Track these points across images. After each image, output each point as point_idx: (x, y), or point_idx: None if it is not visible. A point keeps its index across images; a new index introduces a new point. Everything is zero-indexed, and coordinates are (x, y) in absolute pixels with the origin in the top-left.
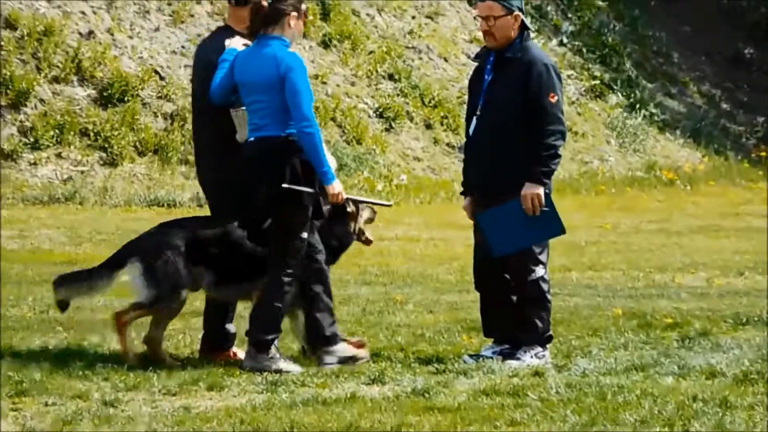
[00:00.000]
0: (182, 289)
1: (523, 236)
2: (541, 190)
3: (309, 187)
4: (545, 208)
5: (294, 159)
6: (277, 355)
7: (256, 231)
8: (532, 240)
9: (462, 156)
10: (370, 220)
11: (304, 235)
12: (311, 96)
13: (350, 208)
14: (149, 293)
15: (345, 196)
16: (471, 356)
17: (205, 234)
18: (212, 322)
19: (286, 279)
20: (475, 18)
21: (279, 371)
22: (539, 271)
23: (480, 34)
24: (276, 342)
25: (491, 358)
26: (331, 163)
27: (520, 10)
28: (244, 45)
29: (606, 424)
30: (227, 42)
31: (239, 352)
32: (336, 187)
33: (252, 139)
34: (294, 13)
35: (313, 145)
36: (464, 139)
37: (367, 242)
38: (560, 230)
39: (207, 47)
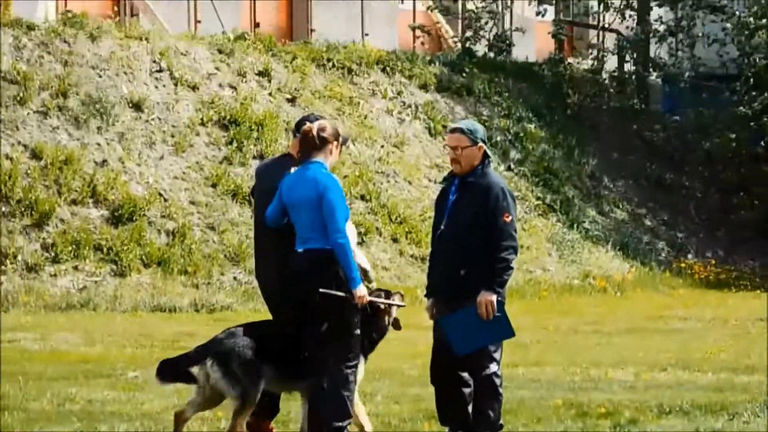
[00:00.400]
0: (260, 381)
1: (480, 338)
2: (494, 298)
3: (350, 292)
4: (498, 314)
5: (338, 267)
6: None
7: (306, 333)
8: (487, 341)
9: (426, 265)
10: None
11: (357, 331)
12: (346, 211)
13: (382, 306)
14: (236, 391)
15: (368, 299)
16: None
17: (267, 334)
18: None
19: (349, 371)
20: (444, 146)
21: None
22: (493, 367)
23: (440, 161)
24: (348, 427)
25: None
26: (365, 264)
27: (483, 141)
28: None
29: None
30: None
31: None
32: (361, 290)
33: (300, 250)
34: (335, 142)
35: (344, 254)
36: (428, 250)
37: (398, 327)
38: (510, 334)
39: (273, 174)
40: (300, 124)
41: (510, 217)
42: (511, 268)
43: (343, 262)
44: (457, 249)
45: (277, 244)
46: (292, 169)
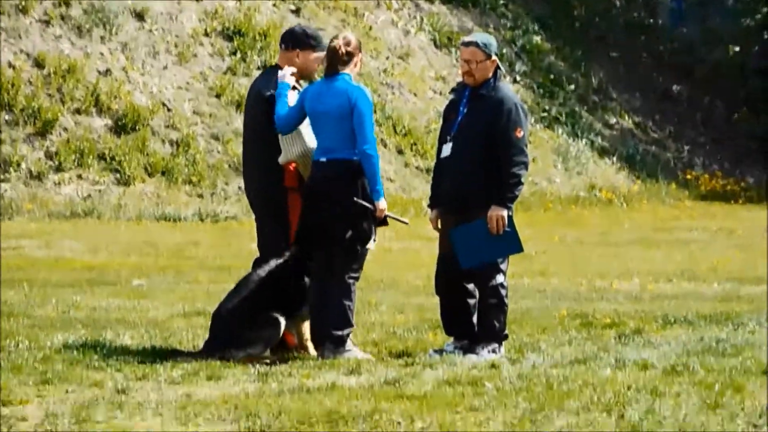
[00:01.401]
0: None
1: (487, 252)
2: (505, 213)
3: (372, 204)
4: (507, 229)
5: (364, 179)
6: (353, 347)
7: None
8: (494, 255)
9: (431, 175)
10: None
11: (371, 244)
12: (373, 124)
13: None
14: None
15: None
16: (435, 351)
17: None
18: None
19: (352, 281)
20: (458, 60)
21: (357, 360)
22: (499, 278)
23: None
24: (351, 335)
25: (452, 352)
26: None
27: (497, 55)
28: (292, 75)
29: (552, 409)
30: (280, 74)
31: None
32: (383, 203)
33: (324, 159)
34: (359, 54)
35: (371, 165)
36: (433, 162)
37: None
38: (519, 249)
39: (259, 83)
40: (286, 36)
41: (522, 132)
42: (522, 183)
43: (370, 173)
44: (468, 161)
45: (261, 156)
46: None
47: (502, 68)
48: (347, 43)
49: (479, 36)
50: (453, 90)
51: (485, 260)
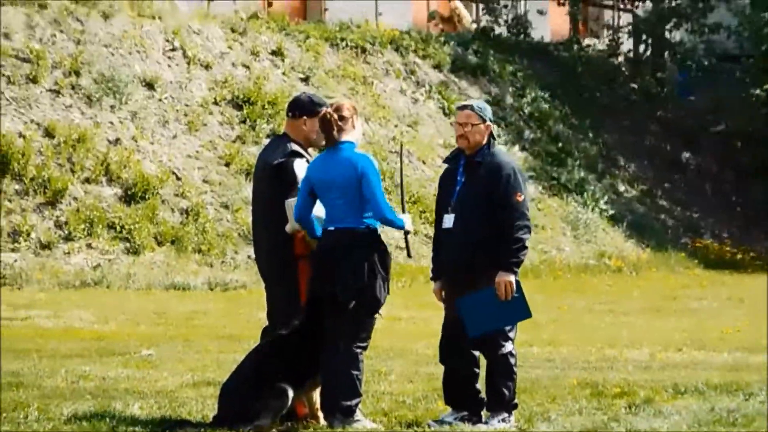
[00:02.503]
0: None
1: (495, 319)
2: (513, 278)
3: (385, 272)
4: (516, 295)
5: (373, 246)
6: (362, 417)
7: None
8: (503, 323)
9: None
10: None
11: (378, 314)
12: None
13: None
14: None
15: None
16: (435, 422)
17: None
18: None
19: (360, 350)
20: (451, 123)
21: (366, 430)
22: (508, 346)
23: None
24: (360, 405)
25: (451, 423)
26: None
27: (492, 121)
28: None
29: None
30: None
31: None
32: (408, 221)
33: (331, 228)
34: (355, 115)
35: (394, 225)
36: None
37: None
38: (527, 315)
39: (267, 152)
40: (292, 105)
41: (522, 196)
42: (526, 248)
43: (393, 226)
44: (471, 231)
45: (270, 225)
46: (290, 146)
47: (495, 136)
48: (337, 109)
49: (474, 101)
50: (447, 159)
51: (494, 328)
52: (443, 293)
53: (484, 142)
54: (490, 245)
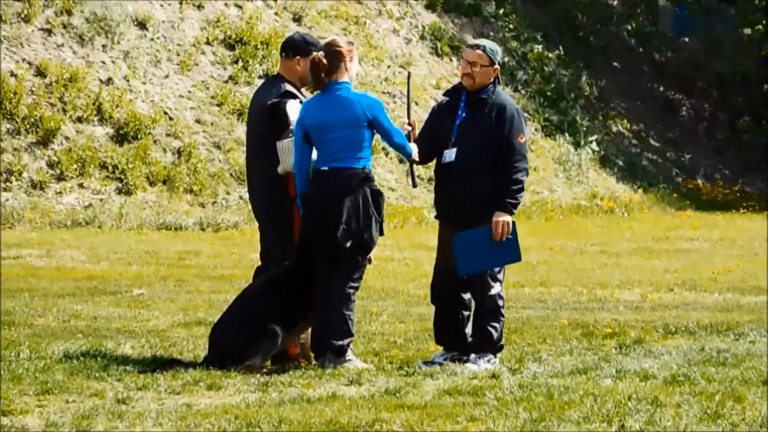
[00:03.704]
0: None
1: (487, 260)
2: (509, 218)
3: (379, 214)
4: (510, 236)
5: (368, 187)
6: (354, 357)
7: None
8: (493, 264)
9: (432, 184)
10: None
11: (372, 255)
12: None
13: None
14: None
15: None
16: (425, 363)
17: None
18: None
19: (352, 291)
20: (459, 60)
21: (357, 369)
22: (497, 287)
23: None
24: (351, 345)
25: (441, 363)
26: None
27: (500, 64)
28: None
29: (553, 420)
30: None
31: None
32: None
33: (326, 168)
34: (352, 54)
35: (402, 149)
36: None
37: None
38: (517, 258)
39: (261, 93)
40: (286, 44)
41: (524, 138)
42: (524, 189)
43: (404, 153)
44: (471, 166)
45: (264, 166)
46: (284, 87)
47: (500, 80)
48: (333, 45)
49: (487, 42)
50: (447, 92)
51: (484, 269)
52: (440, 231)
53: (489, 82)
54: (490, 183)
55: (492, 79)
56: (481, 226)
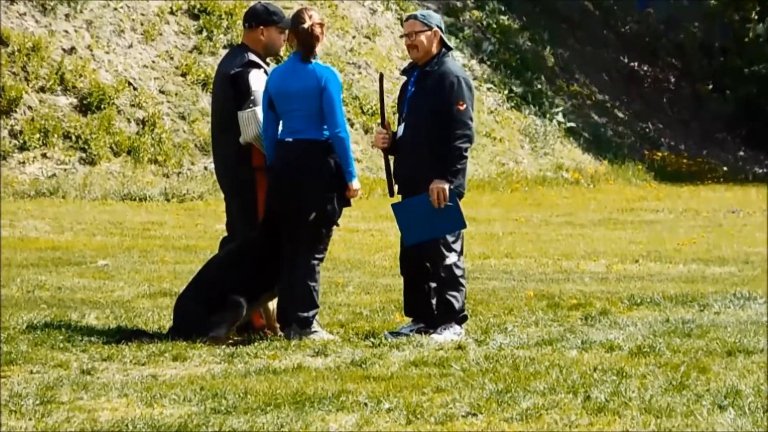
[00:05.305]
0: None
1: (430, 228)
2: (446, 186)
3: (340, 184)
4: (449, 203)
5: (332, 159)
6: (319, 328)
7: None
8: (437, 232)
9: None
10: None
11: (335, 226)
12: (342, 105)
13: None
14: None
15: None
16: (391, 333)
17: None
18: None
19: (317, 262)
20: (401, 36)
21: (323, 341)
22: (452, 257)
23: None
24: (317, 317)
25: (408, 335)
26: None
27: (440, 28)
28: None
29: (519, 391)
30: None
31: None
32: (356, 184)
33: (290, 140)
34: (321, 28)
35: (344, 147)
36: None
37: None
38: (462, 225)
39: (225, 64)
40: (248, 15)
41: (464, 105)
42: (465, 157)
43: (342, 155)
44: (415, 140)
45: (228, 136)
46: (247, 56)
47: (449, 45)
48: (321, 23)
49: (420, 10)
50: (403, 71)
51: (428, 237)
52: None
53: (434, 50)
54: (432, 154)
55: (438, 47)
56: (420, 194)
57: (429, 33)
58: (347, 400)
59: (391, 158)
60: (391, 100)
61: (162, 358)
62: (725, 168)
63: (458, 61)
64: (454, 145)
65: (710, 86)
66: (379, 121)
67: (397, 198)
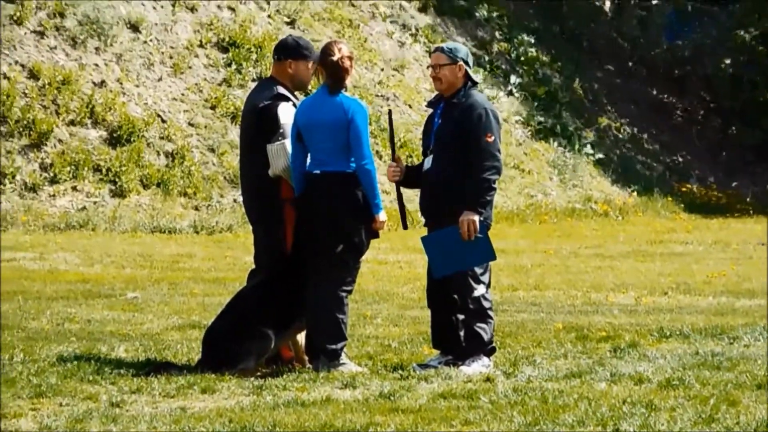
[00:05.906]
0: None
1: (460, 260)
2: (476, 218)
3: (367, 216)
4: (480, 235)
5: (359, 191)
6: (348, 360)
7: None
8: (467, 264)
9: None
10: None
11: (362, 258)
12: (368, 137)
13: None
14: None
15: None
16: (419, 365)
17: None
18: None
19: (345, 294)
20: (427, 67)
21: (352, 373)
22: (480, 289)
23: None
24: (345, 349)
25: (436, 367)
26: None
27: (465, 62)
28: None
29: (547, 423)
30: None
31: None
32: (383, 216)
33: (318, 172)
34: (349, 63)
35: (370, 179)
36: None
37: None
38: (492, 257)
39: (254, 96)
40: (279, 48)
41: (492, 137)
42: (494, 189)
43: (369, 187)
44: (443, 171)
45: (256, 169)
46: (276, 89)
47: (473, 78)
48: (350, 56)
49: (446, 43)
50: (429, 104)
51: (458, 269)
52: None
53: (460, 84)
54: (460, 185)
55: (462, 80)
56: (450, 226)
57: (453, 67)
58: None
59: (404, 190)
60: (420, 132)
61: (191, 391)
62: (755, 200)
63: (486, 93)
64: (482, 177)
65: (739, 118)
66: (389, 153)
67: (420, 230)
